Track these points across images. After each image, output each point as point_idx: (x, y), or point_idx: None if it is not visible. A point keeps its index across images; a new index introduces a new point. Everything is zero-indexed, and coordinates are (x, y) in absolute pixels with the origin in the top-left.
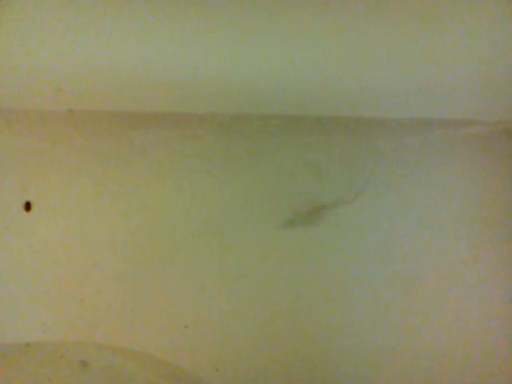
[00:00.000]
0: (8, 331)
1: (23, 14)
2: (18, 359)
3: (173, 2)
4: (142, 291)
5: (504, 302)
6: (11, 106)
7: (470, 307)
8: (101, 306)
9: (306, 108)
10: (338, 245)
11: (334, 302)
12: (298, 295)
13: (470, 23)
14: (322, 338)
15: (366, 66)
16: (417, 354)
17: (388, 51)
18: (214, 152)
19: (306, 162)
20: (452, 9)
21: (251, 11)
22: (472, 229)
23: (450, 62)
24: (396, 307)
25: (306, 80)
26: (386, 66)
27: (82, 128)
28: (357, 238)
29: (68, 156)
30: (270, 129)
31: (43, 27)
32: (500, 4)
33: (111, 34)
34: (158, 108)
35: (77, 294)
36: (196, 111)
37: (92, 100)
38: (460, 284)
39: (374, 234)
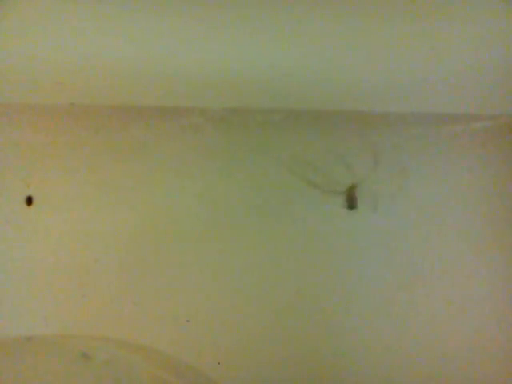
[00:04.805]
0: (9, 325)
1: (24, 8)
2: (19, 353)
3: None
4: (143, 285)
5: (506, 298)
6: (12, 100)
7: (472, 303)
8: (102, 300)
9: (308, 102)
10: (339, 240)
11: (336, 296)
12: (300, 290)
13: (472, 16)
14: (323, 333)
15: (367, 60)
16: (418, 349)
17: (389, 45)
18: (215, 146)
19: (307, 156)
20: (451, 3)
21: (251, 4)
22: (474, 223)
23: (451, 55)
24: (397, 303)
25: (307, 74)
26: (388, 59)
27: (83, 122)
28: (358, 233)
29: (70, 150)
30: (272, 123)
31: (44, 21)
32: None
33: (113, 28)
34: (160, 102)
35: (78, 288)
36: (197, 105)
37: (94, 94)
38: (461, 280)
39: (374, 229)
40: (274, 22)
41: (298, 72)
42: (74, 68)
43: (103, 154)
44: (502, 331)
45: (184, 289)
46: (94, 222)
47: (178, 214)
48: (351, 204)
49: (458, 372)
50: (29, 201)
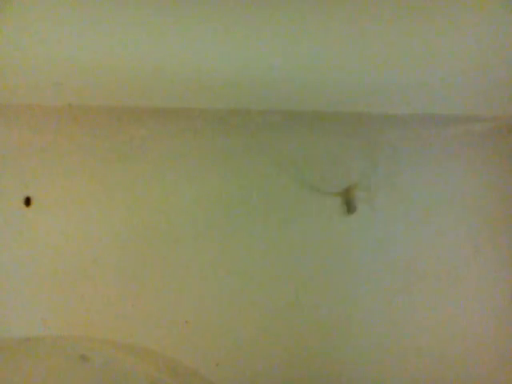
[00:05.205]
0: (8, 326)
1: (24, 8)
2: (18, 354)
3: None
4: (142, 287)
5: (505, 298)
6: (10, 101)
7: (471, 303)
8: (101, 302)
9: (308, 103)
10: (337, 242)
11: (335, 298)
12: (299, 291)
13: (471, 16)
14: (322, 334)
15: (366, 61)
16: (417, 351)
17: (387, 46)
18: (214, 147)
19: (307, 158)
20: (451, 3)
21: (250, 5)
22: (472, 224)
23: (449, 56)
24: (396, 303)
25: (306, 75)
26: (386, 61)
27: (82, 123)
28: (357, 233)
29: (68, 151)
30: (271, 124)
31: (44, 22)
32: None
33: (111, 29)
34: (158, 103)
35: (77, 289)
36: (196, 106)
37: (92, 95)
38: (461, 280)
39: (373, 229)
40: (274, 23)
41: (297, 73)
42: (72, 69)
43: (101, 155)
44: (502, 332)
45: (183, 290)
46: (92, 222)
47: (176, 215)
48: (350, 208)
49: (457, 373)
50: (27, 201)
